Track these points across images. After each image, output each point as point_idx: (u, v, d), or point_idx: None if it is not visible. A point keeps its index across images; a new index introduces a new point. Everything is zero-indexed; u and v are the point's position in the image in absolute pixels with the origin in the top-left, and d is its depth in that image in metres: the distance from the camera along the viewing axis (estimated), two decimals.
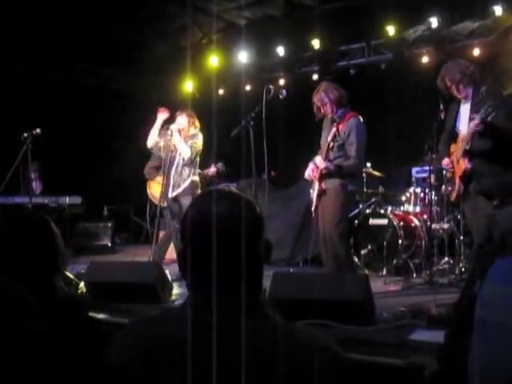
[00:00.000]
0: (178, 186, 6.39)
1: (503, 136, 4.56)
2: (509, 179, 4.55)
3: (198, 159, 6.57)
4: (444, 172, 5.86)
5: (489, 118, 4.48)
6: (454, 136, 4.95)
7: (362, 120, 5.41)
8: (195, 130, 6.52)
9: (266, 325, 1.40)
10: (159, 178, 7.36)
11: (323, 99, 5.35)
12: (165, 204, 6.56)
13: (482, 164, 4.66)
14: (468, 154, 4.72)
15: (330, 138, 5.33)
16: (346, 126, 5.28)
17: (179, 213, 6.21)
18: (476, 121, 4.55)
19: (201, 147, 6.49)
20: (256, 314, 1.40)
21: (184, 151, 6.35)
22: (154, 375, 1.37)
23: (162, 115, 6.58)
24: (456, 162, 4.90)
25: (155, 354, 1.38)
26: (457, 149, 4.89)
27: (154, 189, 7.53)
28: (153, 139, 6.57)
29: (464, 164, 4.76)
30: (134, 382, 1.39)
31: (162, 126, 6.55)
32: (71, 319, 1.97)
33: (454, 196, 5.02)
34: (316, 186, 5.40)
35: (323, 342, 1.43)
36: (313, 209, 5.47)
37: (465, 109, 4.86)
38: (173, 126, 6.39)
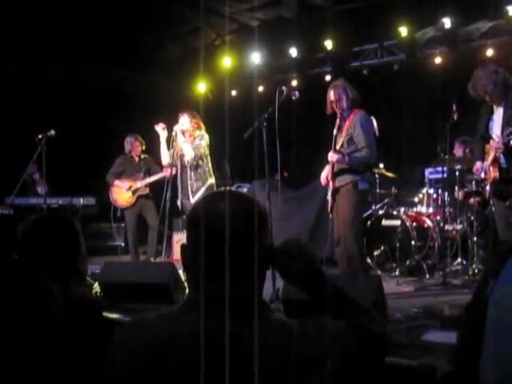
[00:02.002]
0: (198, 190, 6.34)
1: None
2: None
3: (209, 160, 6.51)
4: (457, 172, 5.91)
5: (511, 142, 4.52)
6: (486, 138, 4.96)
7: (366, 114, 5.39)
8: (200, 131, 6.47)
9: (268, 325, 1.41)
10: (118, 182, 7.62)
11: (341, 94, 5.33)
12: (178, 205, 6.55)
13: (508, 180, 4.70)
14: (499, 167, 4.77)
15: (343, 135, 5.33)
16: (352, 121, 5.28)
17: None
18: (498, 143, 4.59)
19: (206, 149, 6.44)
20: (254, 314, 1.39)
21: (188, 153, 6.33)
22: (151, 378, 1.38)
23: (160, 128, 6.53)
24: (488, 168, 4.92)
25: (153, 356, 1.38)
26: (489, 153, 4.91)
27: (115, 193, 7.65)
28: (165, 156, 6.53)
29: (494, 172, 4.79)
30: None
31: (169, 136, 6.49)
32: (85, 320, 2.01)
33: (484, 197, 5.10)
34: (330, 185, 5.39)
35: (329, 339, 1.44)
36: (329, 209, 5.46)
37: (498, 113, 4.86)
38: (176, 127, 6.36)
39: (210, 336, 1.34)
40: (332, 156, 5.32)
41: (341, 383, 1.43)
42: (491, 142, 4.85)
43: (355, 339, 1.47)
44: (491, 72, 4.89)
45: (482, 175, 5.16)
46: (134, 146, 7.75)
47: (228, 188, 1.57)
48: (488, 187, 4.97)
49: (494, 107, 4.90)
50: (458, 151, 7.26)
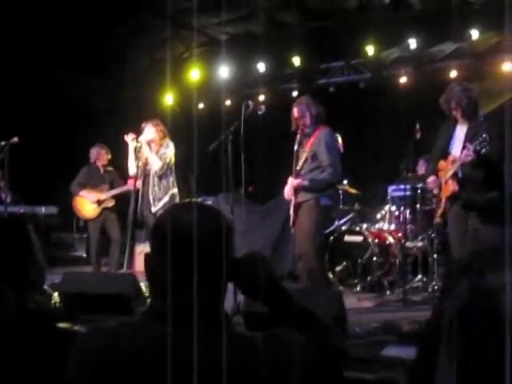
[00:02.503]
0: (159, 200, 6.28)
1: (495, 169, 4.66)
2: (492, 196, 4.63)
3: (173, 169, 6.46)
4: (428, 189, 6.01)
5: (483, 151, 4.58)
6: (445, 155, 5.03)
7: (331, 131, 5.43)
8: (166, 139, 6.42)
9: (229, 337, 1.40)
10: (82, 193, 7.56)
11: (304, 111, 5.34)
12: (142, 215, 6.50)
13: (472, 189, 4.76)
14: (459, 179, 4.82)
15: (306, 152, 5.33)
16: (317, 138, 5.29)
17: None
18: (469, 151, 4.66)
19: (172, 157, 6.39)
20: (215, 326, 1.41)
21: (154, 163, 6.28)
22: None
23: (129, 139, 6.45)
24: (444, 182, 5.00)
25: (113, 364, 1.38)
26: (446, 168, 4.99)
27: (79, 203, 7.60)
28: (132, 166, 6.47)
29: (453, 185, 4.86)
30: None
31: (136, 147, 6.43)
32: (40, 331, 1.92)
33: (439, 213, 5.14)
34: (292, 200, 5.39)
35: (290, 352, 1.45)
36: (291, 224, 5.47)
37: (461, 131, 4.95)
38: (141, 138, 6.31)
39: (171, 346, 1.33)
40: (292, 181, 5.32)
41: None
42: (449, 157, 4.94)
43: (314, 352, 1.49)
44: (466, 88, 5.03)
45: (435, 191, 5.24)
46: (100, 156, 7.69)
47: (194, 200, 1.58)
48: (443, 203, 5.03)
49: (458, 125, 4.99)
50: (422, 169, 7.37)
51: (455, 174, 4.86)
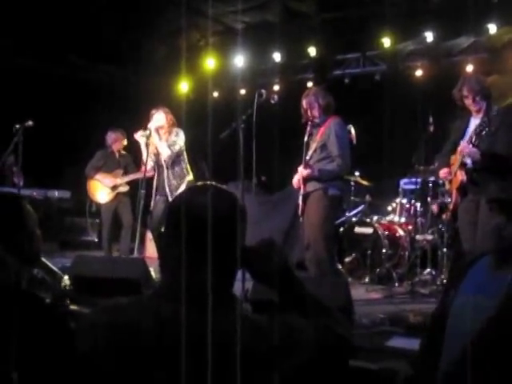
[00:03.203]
0: (177, 189, 6.22)
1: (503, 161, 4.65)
2: None
3: (185, 156, 6.42)
4: (439, 182, 6.00)
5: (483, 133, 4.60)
6: (456, 148, 5.04)
7: (342, 122, 5.41)
8: (176, 127, 6.37)
9: (236, 318, 1.43)
10: (98, 177, 7.55)
11: (312, 103, 5.35)
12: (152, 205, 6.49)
13: (483, 176, 4.74)
14: (467, 170, 4.82)
15: (315, 142, 5.33)
16: (327, 128, 5.29)
17: None
18: (468, 144, 4.68)
19: (182, 145, 6.34)
20: (223, 309, 1.43)
21: (163, 152, 6.24)
22: (117, 363, 1.40)
23: (139, 136, 6.38)
24: (454, 174, 5.00)
25: (118, 342, 1.41)
26: (456, 160, 4.99)
27: (94, 187, 7.61)
28: (148, 162, 6.39)
29: (461, 175, 4.86)
30: (98, 370, 1.42)
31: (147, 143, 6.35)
32: (30, 312, 1.87)
33: (451, 207, 5.14)
34: (301, 190, 5.40)
35: (294, 336, 1.47)
36: (299, 213, 5.48)
37: (474, 123, 4.94)
38: (151, 125, 6.24)
39: (179, 323, 1.37)
40: (302, 171, 5.32)
41: (303, 381, 1.46)
42: (458, 149, 4.94)
43: (321, 338, 1.51)
44: (480, 78, 5.07)
45: (447, 184, 5.23)
46: (116, 141, 7.69)
47: (211, 182, 1.60)
48: (454, 195, 5.03)
49: (472, 119, 4.98)
50: None
51: (463, 165, 4.86)
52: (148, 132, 6.24)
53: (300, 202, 5.42)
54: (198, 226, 1.43)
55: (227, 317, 1.42)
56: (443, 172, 5.13)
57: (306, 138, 5.45)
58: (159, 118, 6.32)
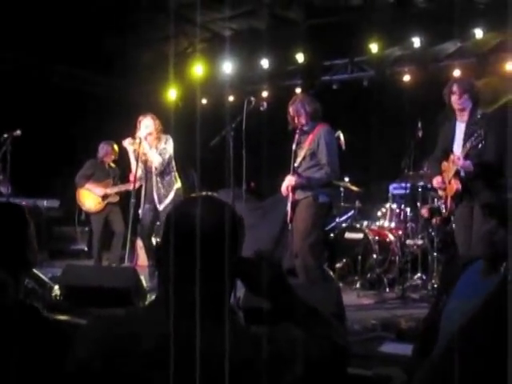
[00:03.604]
0: (165, 197, 6.22)
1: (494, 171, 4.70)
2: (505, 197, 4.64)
3: (174, 164, 6.38)
4: (428, 187, 6.04)
5: (479, 146, 4.65)
6: (448, 155, 5.06)
7: (330, 129, 5.39)
8: (165, 134, 6.33)
9: (234, 330, 1.43)
10: (88, 186, 7.50)
11: (299, 110, 5.32)
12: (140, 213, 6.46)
13: (476, 181, 4.78)
14: (461, 179, 4.86)
15: (304, 149, 5.30)
16: (316, 136, 5.26)
17: None
18: (459, 154, 4.76)
19: (172, 152, 6.29)
20: (221, 321, 1.43)
21: (154, 159, 6.19)
22: (113, 375, 1.39)
23: (127, 143, 6.37)
24: (448, 182, 5.03)
25: (115, 353, 1.40)
26: (448, 168, 5.02)
27: (83, 196, 7.58)
28: (136, 170, 6.29)
29: (456, 184, 4.89)
30: (95, 381, 1.41)
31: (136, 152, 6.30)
32: (28, 323, 1.88)
33: (446, 215, 5.18)
34: (290, 197, 5.37)
35: (292, 347, 1.46)
36: (288, 220, 5.45)
37: (460, 129, 4.98)
38: (140, 134, 6.20)
39: (176, 336, 1.36)
40: (290, 180, 5.30)
41: None
42: (451, 157, 4.97)
43: (318, 349, 1.50)
44: (471, 79, 5.19)
45: (440, 192, 5.27)
46: (107, 154, 7.65)
47: (209, 193, 1.60)
48: (449, 203, 5.06)
49: (457, 123, 5.02)
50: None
51: (457, 174, 4.89)
52: (138, 141, 6.21)
53: (289, 209, 5.40)
54: (193, 238, 1.42)
55: (225, 330, 1.41)
56: (437, 181, 5.16)
57: (293, 147, 5.43)
58: (148, 124, 6.28)
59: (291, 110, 5.37)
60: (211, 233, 1.44)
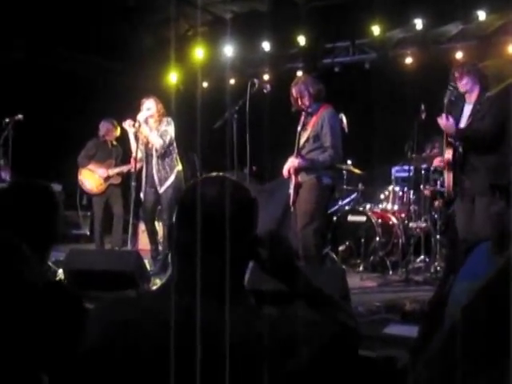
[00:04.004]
0: (166, 179, 6.20)
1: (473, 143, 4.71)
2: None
3: (175, 146, 6.34)
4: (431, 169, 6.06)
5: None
6: None
7: (334, 111, 5.37)
8: (169, 119, 6.30)
9: (247, 311, 1.43)
10: (91, 166, 7.49)
11: (302, 92, 5.28)
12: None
13: (475, 159, 4.77)
14: (455, 147, 4.86)
15: (308, 131, 5.27)
16: (320, 118, 5.23)
17: (169, 205, 6.08)
18: (443, 116, 4.79)
19: (173, 134, 6.26)
20: (236, 301, 1.42)
21: (155, 142, 6.17)
22: (125, 358, 1.39)
23: (127, 125, 6.37)
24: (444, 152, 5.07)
25: (127, 336, 1.39)
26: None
27: (85, 176, 7.55)
28: (136, 152, 6.30)
29: (448, 154, 4.90)
30: (107, 364, 1.40)
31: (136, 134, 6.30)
32: (60, 298, 1.94)
33: (446, 190, 5.19)
34: (293, 179, 5.35)
35: (305, 328, 1.46)
36: (291, 203, 5.44)
37: (467, 110, 4.98)
38: (140, 117, 6.18)
39: (188, 316, 1.36)
40: (293, 161, 5.28)
41: (314, 373, 1.46)
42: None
43: (329, 330, 1.51)
44: (472, 64, 5.13)
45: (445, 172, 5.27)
46: (108, 131, 7.62)
47: (222, 174, 1.59)
48: (446, 176, 5.04)
49: (466, 105, 5.01)
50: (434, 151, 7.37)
51: (449, 144, 4.90)
52: (137, 124, 6.19)
53: (291, 192, 5.39)
54: (211, 218, 1.42)
55: (240, 310, 1.42)
56: (437, 160, 5.17)
57: (299, 128, 5.41)
58: (150, 106, 6.26)
59: (294, 91, 5.33)
60: (229, 212, 1.43)
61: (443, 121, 4.83)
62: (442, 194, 6.50)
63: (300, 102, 5.32)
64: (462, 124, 4.92)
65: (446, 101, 5.01)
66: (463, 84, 4.93)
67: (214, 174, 1.62)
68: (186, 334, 1.35)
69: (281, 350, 1.39)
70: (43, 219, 2.14)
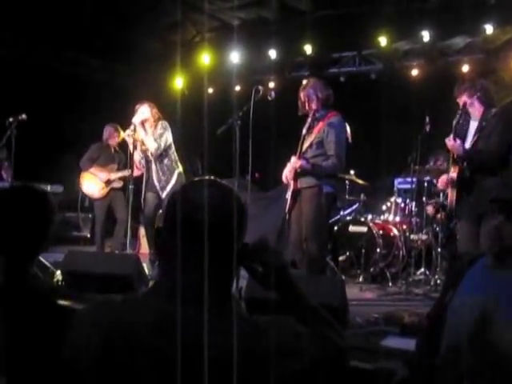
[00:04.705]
0: (167, 184, 6.18)
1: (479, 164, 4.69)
2: None
3: (174, 150, 6.32)
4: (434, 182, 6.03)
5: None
6: None
7: (342, 120, 5.29)
8: (164, 122, 6.29)
9: (235, 318, 1.40)
10: (93, 170, 7.50)
11: (311, 96, 5.23)
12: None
13: (481, 178, 4.73)
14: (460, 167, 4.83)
15: (312, 136, 5.20)
16: (327, 124, 5.15)
17: None
18: (451, 137, 4.76)
19: (169, 138, 6.25)
20: (221, 308, 1.40)
21: (150, 145, 6.16)
22: (111, 361, 1.37)
23: (126, 135, 6.38)
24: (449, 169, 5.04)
25: (112, 339, 1.37)
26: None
27: (87, 180, 7.56)
28: (138, 160, 6.35)
29: (454, 172, 4.87)
30: (91, 369, 1.38)
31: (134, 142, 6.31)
32: (37, 306, 1.93)
33: (448, 206, 5.16)
34: (291, 186, 5.28)
35: (290, 338, 1.44)
36: (286, 210, 5.36)
37: (472, 126, 4.96)
38: (134, 120, 6.18)
39: (175, 322, 1.34)
40: (295, 162, 5.20)
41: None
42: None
43: (318, 346, 1.49)
44: (474, 81, 5.11)
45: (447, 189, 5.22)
46: (111, 136, 7.65)
47: (211, 178, 1.56)
48: (449, 194, 5.01)
49: (471, 121, 4.98)
50: (437, 164, 7.33)
51: (455, 161, 4.87)
52: (132, 127, 6.20)
53: (289, 198, 5.30)
54: (198, 223, 1.39)
55: (225, 317, 1.39)
56: (442, 182, 5.12)
57: (304, 131, 5.34)
58: (143, 110, 6.26)
59: (302, 94, 5.28)
60: (217, 218, 1.40)
61: (451, 142, 4.79)
62: (445, 206, 6.48)
63: (308, 106, 5.26)
64: (469, 140, 4.88)
65: (454, 123, 4.98)
66: (462, 100, 4.91)
67: (201, 177, 1.58)
68: (166, 340, 1.33)
69: (265, 359, 1.37)
70: (36, 225, 2.11)
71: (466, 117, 5.00)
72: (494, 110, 4.83)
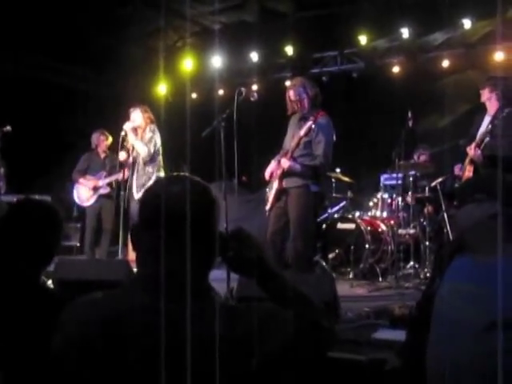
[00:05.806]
0: (143, 186, 6.14)
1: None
2: None
3: (161, 157, 6.35)
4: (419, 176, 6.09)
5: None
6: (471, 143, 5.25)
7: (330, 120, 5.32)
8: (153, 126, 6.31)
9: (211, 305, 1.44)
10: (82, 180, 7.55)
11: (301, 94, 5.23)
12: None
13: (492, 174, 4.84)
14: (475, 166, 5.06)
15: (302, 133, 5.16)
16: (316, 125, 5.14)
17: None
18: (472, 147, 5.01)
19: (158, 142, 6.29)
20: (199, 297, 1.43)
21: (141, 150, 6.17)
22: (92, 357, 1.39)
23: (121, 157, 6.39)
24: (464, 169, 5.15)
25: (92, 337, 1.40)
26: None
27: (78, 190, 7.61)
28: (129, 164, 6.36)
29: (468, 171, 5.01)
30: (77, 366, 1.41)
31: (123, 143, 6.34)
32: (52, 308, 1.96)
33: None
34: (275, 184, 5.29)
35: (272, 322, 1.48)
36: (267, 208, 5.39)
37: (486, 121, 5.10)
38: (126, 126, 6.21)
39: (153, 313, 1.37)
40: (284, 162, 5.22)
41: (277, 368, 1.47)
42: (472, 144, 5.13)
43: (295, 326, 1.51)
44: (498, 78, 5.36)
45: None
46: (99, 141, 7.69)
47: (181, 173, 1.60)
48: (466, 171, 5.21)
49: (486, 116, 5.14)
50: (422, 157, 7.41)
51: (471, 161, 5.01)
52: (123, 133, 6.23)
53: (271, 196, 5.33)
54: (173, 216, 1.43)
55: (204, 306, 1.43)
56: (457, 167, 5.43)
57: (290, 129, 5.38)
58: (135, 117, 6.31)
59: (292, 93, 5.27)
60: (189, 209, 1.43)
61: (472, 151, 5.07)
62: (431, 199, 6.55)
63: (299, 105, 5.25)
64: (479, 134, 5.06)
65: (473, 130, 5.23)
66: (485, 93, 5.12)
67: (176, 173, 1.63)
68: (147, 332, 1.37)
69: (246, 344, 1.40)
70: (47, 237, 2.21)
71: (483, 112, 5.16)
72: (507, 110, 4.90)
